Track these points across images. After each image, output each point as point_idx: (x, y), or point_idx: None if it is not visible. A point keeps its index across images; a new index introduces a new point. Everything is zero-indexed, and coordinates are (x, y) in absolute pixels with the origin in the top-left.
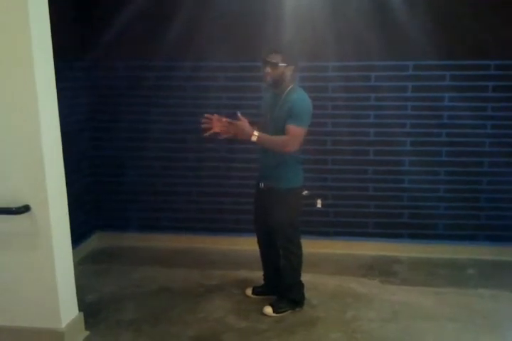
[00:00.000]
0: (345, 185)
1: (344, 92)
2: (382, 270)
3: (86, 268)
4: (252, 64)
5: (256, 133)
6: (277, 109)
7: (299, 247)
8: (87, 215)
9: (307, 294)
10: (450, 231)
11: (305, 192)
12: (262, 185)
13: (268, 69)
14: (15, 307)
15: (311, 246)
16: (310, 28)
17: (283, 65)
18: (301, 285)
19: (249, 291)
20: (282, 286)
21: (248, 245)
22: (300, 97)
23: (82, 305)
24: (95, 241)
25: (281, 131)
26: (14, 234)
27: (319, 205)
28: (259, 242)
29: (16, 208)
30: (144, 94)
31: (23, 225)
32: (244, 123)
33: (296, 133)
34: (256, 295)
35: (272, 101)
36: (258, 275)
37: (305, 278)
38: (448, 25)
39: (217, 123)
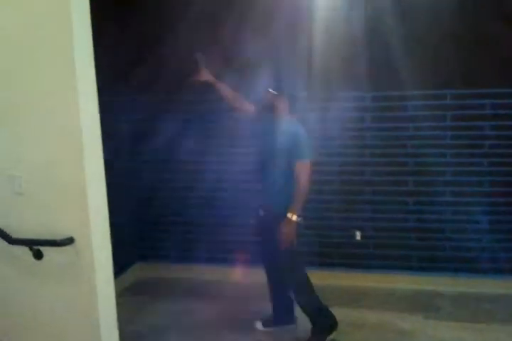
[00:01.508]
0: (384, 216)
1: (381, 122)
2: (424, 304)
3: (126, 299)
4: None
5: (292, 216)
6: (272, 137)
7: (300, 272)
8: (127, 246)
9: (348, 329)
10: (494, 265)
11: (298, 219)
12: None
13: (263, 94)
14: (54, 339)
15: (350, 280)
16: (343, 57)
17: (273, 92)
18: (323, 309)
19: (259, 325)
20: (309, 318)
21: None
22: (298, 132)
23: (123, 337)
24: (136, 272)
25: (280, 158)
26: (57, 265)
27: (358, 237)
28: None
29: (60, 240)
30: (176, 126)
31: (66, 257)
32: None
33: (303, 168)
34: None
35: (268, 126)
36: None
37: (345, 312)
38: (487, 52)
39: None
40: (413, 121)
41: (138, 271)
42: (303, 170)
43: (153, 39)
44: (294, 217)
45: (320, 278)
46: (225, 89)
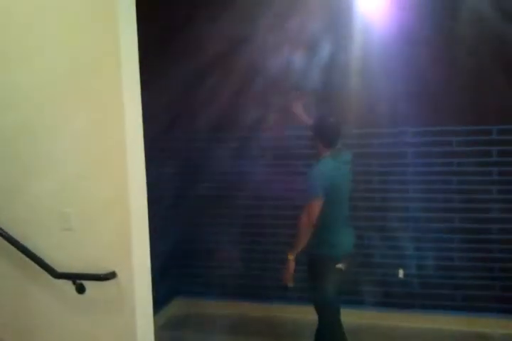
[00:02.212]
0: (429, 254)
1: (424, 158)
2: None
3: (165, 335)
4: None
5: (288, 254)
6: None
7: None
8: (167, 280)
9: None
10: None
11: (339, 266)
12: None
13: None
14: None
15: (391, 320)
16: (384, 92)
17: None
18: None
19: None
20: None
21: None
22: (310, 170)
23: None
24: (175, 307)
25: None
26: (98, 299)
27: (401, 275)
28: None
29: (103, 275)
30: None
31: (107, 291)
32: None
33: (308, 206)
34: None
35: None
36: None
37: None
38: None
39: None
40: (458, 156)
41: (177, 306)
42: (305, 207)
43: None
44: (290, 256)
45: (361, 317)
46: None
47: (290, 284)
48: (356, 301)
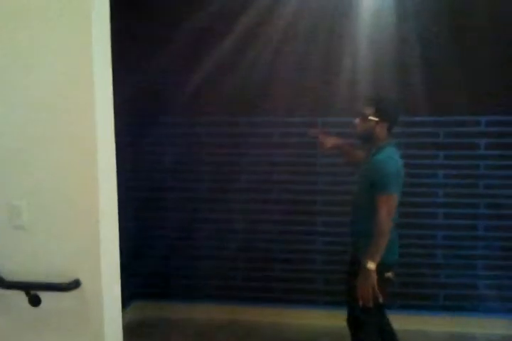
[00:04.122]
0: (410, 251)
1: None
2: None
3: None
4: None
5: (368, 263)
6: (365, 166)
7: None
8: (123, 283)
9: None
10: None
11: (388, 274)
12: (350, 254)
13: (357, 121)
14: None
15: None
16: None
17: (373, 119)
18: None
19: None
20: None
21: (300, 319)
22: (384, 160)
23: None
24: (132, 312)
25: (367, 192)
26: (58, 314)
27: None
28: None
29: (64, 284)
30: (194, 151)
31: (69, 303)
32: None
33: (383, 203)
34: None
35: (365, 157)
36: None
37: None
38: None
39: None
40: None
41: (134, 311)
42: (383, 205)
43: None
44: (371, 265)
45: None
46: (347, 147)
47: (381, 300)
48: None
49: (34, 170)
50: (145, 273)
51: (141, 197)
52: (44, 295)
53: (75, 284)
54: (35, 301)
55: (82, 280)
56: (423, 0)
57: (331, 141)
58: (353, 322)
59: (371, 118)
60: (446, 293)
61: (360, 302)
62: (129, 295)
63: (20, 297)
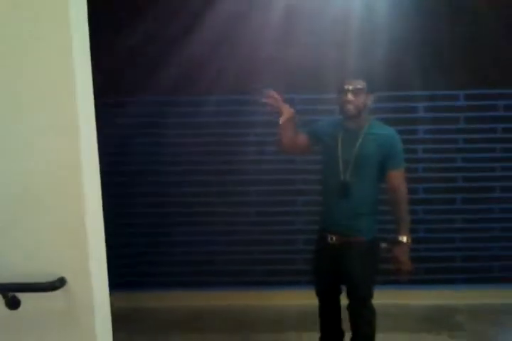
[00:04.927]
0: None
1: None
2: (444, 322)
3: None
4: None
5: (405, 238)
6: (359, 145)
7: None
8: None
9: None
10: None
11: (383, 245)
12: (332, 238)
13: (350, 97)
14: None
15: None
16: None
17: (368, 92)
18: None
19: None
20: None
21: (281, 300)
22: (394, 134)
23: None
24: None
25: (374, 169)
26: (42, 317)
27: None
28: (326, 306)
29: (48, 283)
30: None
31: (53, 304)
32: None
33: (402, 177)
34: None
35: (343, 136)
36: (311, 337)
37: None
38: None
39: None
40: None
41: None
42: (403, 179)
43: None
44: (405, 238)
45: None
46: (293, 129)
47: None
48: None
49: (10, 160)
50: (118, 261)
51: (110, 182)
52: (25, 297)
53: (59, 283)
54: (13, 304)
55: (68, 278)
56: None
57: (289, 111)
58: (360, 304)
59: (361, 87)
60: (427, 267)
61: (405, 278)
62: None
63: None
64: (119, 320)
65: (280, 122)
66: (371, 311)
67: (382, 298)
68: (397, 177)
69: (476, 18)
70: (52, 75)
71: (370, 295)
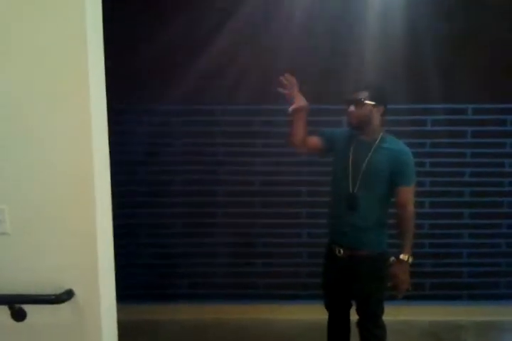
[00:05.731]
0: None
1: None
2: (449, 339)
3: None
4: None
5: (406, 257)
6: (370, 157)
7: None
8: None
9: None
10: None
11: (392, 259)
12: (340, 251)
13: (352, 108)
14: None
15: None
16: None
17: (370, 102)
18: None
19: None
20: None
21: (289, 314)
22: (406, 150)
23: None
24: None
25: (383, 183)
26: (47, 329)
27: None
28: (335, 320)
29: (55, 295)
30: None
31: (60, 317)
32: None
33: (411, 194)
34: None
35: (355, 148)
36: None
37: None
38: None
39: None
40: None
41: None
42: (411, 196)
43: None
44: (410, 258)
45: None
46: (304, 122)
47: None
48: None
49: (15, 169)
50: (119, 274)
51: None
52: (33, 309)
53: (67, 295)
54: (18, 315)
55: (76, 290)
56: None
57: (301, 100)
58: (370, 320)
59: (367, 102)
60: (432, 282)
61: (400, 295)
62: None
63: (3, 312)
64: (124, 333)
65: (289, 110)
66: (383, 329)
67: (388, 314)
68: (405, 195)
69: (490, 31)
70: (67, 85)
71: (381, 312)
